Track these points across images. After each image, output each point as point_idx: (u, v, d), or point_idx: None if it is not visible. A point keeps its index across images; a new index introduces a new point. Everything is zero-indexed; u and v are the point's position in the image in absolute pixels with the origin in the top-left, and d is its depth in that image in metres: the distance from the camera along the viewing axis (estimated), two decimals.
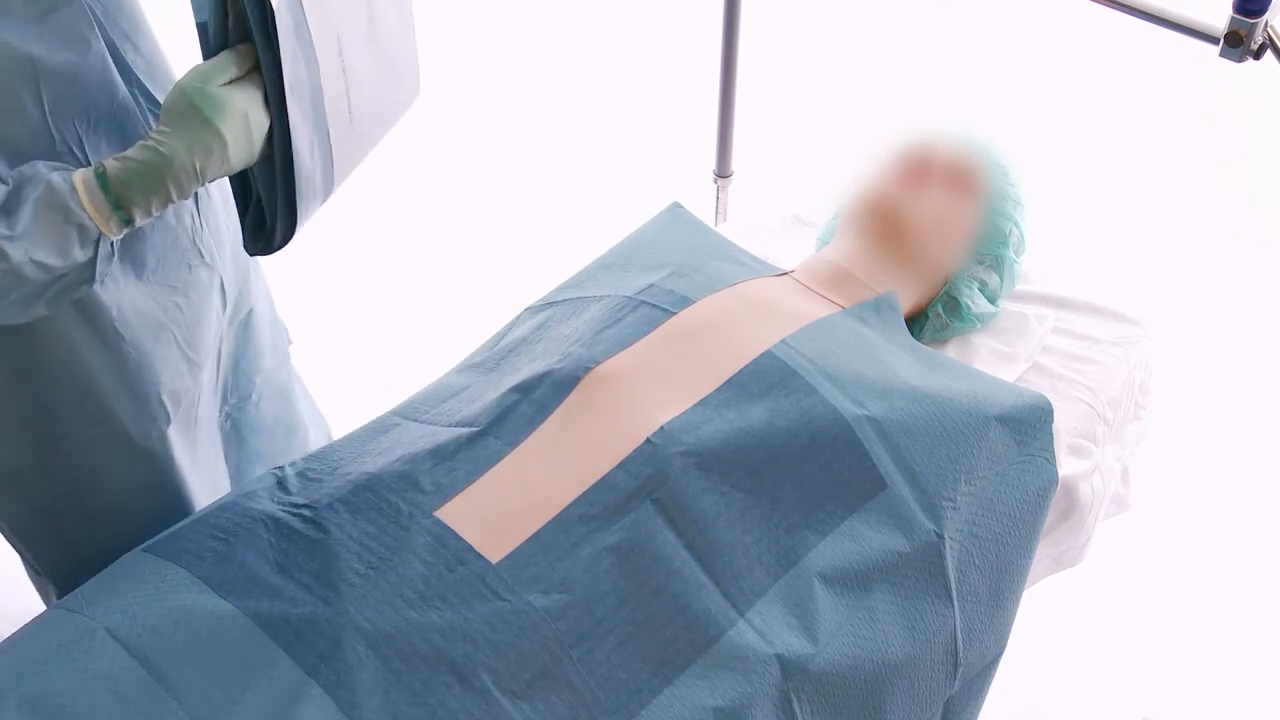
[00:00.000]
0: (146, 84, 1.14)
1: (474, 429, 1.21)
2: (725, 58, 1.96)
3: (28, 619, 1.11)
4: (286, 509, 1.16)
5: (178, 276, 1.21)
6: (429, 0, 3.02)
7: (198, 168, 1.03)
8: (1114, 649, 1.97)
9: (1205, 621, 2.00)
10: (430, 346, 1.92)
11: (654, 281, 1.35)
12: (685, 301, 1.32)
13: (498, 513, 1.14)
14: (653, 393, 1.22)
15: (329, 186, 1.15)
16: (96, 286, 1.10)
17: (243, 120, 1.04)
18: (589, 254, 1.49)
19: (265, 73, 1.04)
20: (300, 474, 1.21)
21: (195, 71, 1.04)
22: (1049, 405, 1.29)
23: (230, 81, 1.04)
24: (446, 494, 1.15)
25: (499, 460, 1.18)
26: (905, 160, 1.48)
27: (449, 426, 1.23)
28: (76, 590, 1.13)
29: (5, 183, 1.00)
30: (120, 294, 1.14)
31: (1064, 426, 1.40)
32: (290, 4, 1.03)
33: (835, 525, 1.18)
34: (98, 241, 1.04)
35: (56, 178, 1.01)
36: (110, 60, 1.10)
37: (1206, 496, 2.17)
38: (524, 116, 2.98)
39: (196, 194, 1.24)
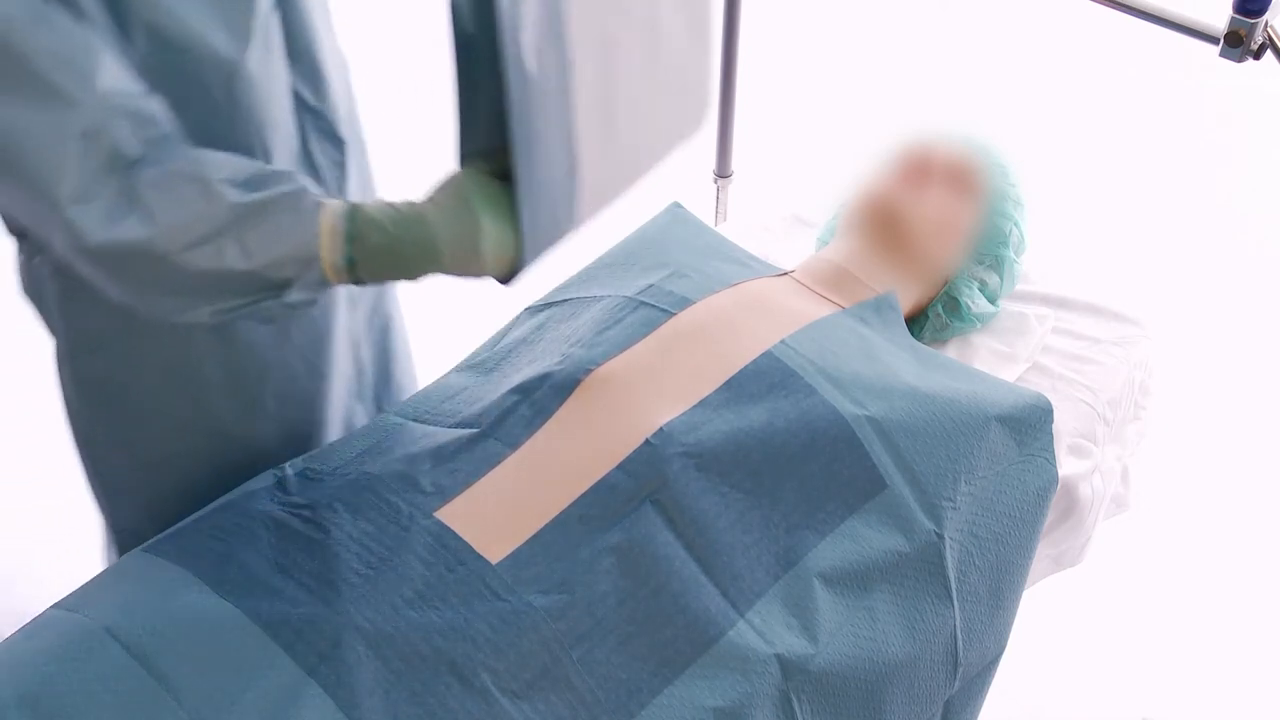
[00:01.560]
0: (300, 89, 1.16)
1: (474, 430, 1.21)
2: (725, 58, 1.96)
3: (28, 619, 1.11)
4: (286, 509, 1.16)
5: None
6: None
7: (445, 255, 1.03)
8: (1114, 649, 1.97)
9: (1205, 621, 2.00)
10: (430, 346, 1.92)
11: (654, 282, 1.35)
12: (685, 302, 1.32)
13: (498, 514, 1.14)
14: (652, 394, 1.22)
15: (571, 209, 1.09)
16: None
17: (502, 224, 1.04)
18: (589, 254, 1.49)
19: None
20: (300, 474, 1.21)
21: (473, 169, 1.05)
22: (1049, 405, 1.29)
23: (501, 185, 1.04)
24: (447, 495, 1.15)
25: (499, 462, 1.18)
26: (905, 160, 1.48)
27: (449, 427, 1.23)
28: (76, 590, 1.13)
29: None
30: None
31: (1064, 426, 1.39)
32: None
33: (835, 525, 1.18)
34: (316, 270, 1.03)
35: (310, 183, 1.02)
36: (288, 66, 1.11)
37: (1206, 496, 2.17)
38: None
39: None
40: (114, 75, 0.95)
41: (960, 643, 1.22)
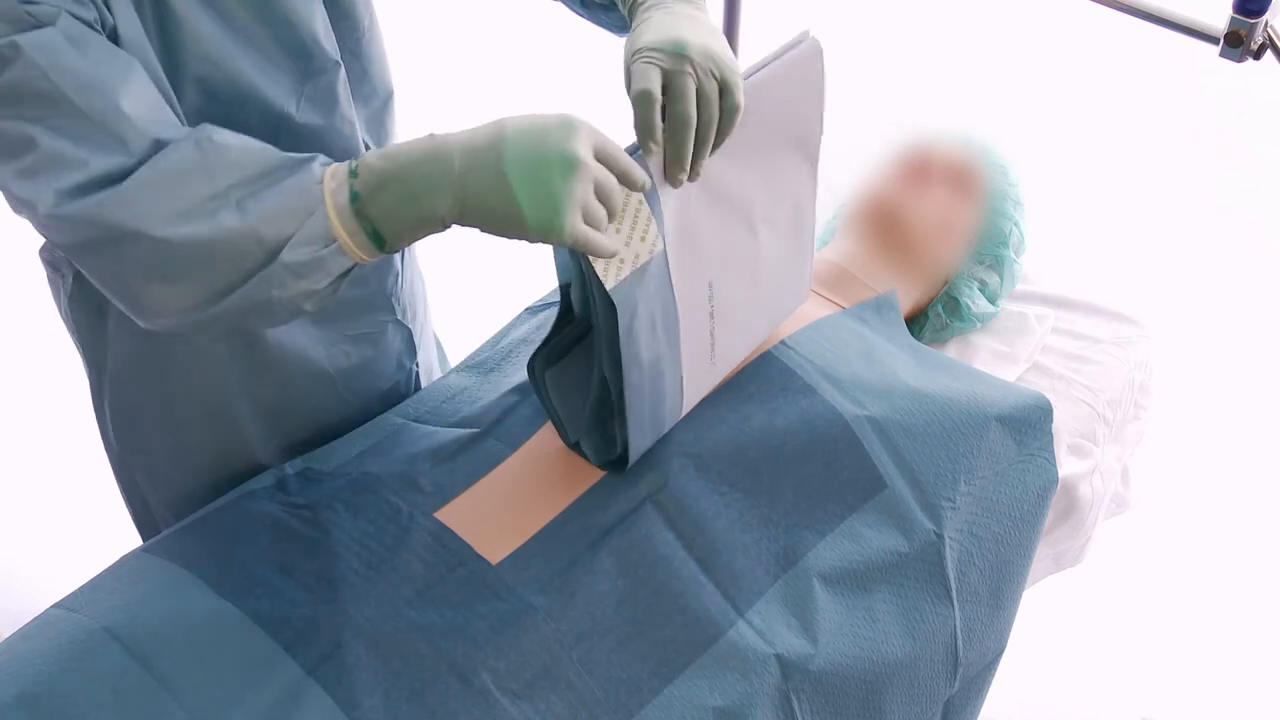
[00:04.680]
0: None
1: (474, 430, 1.21)
2: None
3: (28, 619, 1.11)
4: (286, 509, 1.16)
5: (353, 326, 1.23)
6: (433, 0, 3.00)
7: (457, 172, 0.89)
8: (1114, 649, 1.97)
9: (1205, 621, 2.00)
10: None
11: None
12: None
13: (497, 514, 1.14)
14: None
15: (676, 415, 1.18)
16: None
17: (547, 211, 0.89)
18: None
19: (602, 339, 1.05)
20: (300, 474, 1.21)
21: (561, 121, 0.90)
22: (1049, 405, 1.29)
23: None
24: (446, 495, 1.15)
25: (499, 462, 1.18)
26: (905, 160, 1.48)
27: (449, 427, 1.23)
28: (76, 590, 1.13)
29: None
30: (285, 335, 1.17)
31: (1064, 426, 1.39)
32: (655, 267, 1.03)
33: (835, 525, 1.18)
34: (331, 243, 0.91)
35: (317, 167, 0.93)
36: (357, 126, 1.11)
37: (1206, 496, 2.17)
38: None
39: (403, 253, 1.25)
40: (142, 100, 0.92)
41: (960, 643, 1.22)
